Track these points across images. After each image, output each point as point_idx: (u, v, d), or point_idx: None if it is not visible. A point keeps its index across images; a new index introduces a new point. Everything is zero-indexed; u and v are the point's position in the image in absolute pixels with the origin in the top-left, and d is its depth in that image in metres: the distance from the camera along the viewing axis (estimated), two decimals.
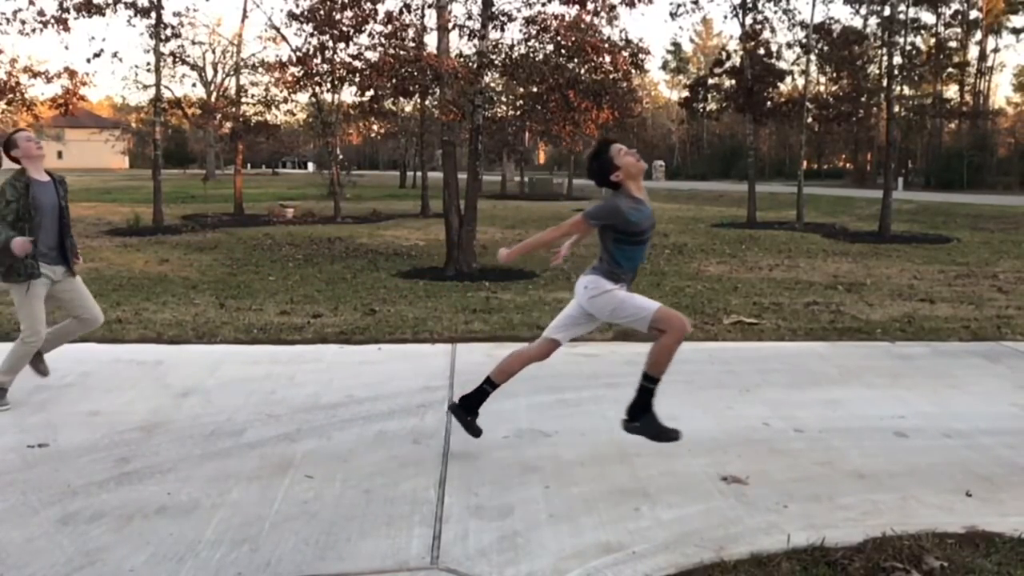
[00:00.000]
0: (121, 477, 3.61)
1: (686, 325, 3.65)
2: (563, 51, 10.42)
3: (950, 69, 44.14)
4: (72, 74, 15.16)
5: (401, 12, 11.22)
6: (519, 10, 10.90)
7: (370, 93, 11.25)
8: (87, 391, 4.92)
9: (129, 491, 3.46)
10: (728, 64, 21.52)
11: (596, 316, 3.83)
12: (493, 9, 10.75)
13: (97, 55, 15.97)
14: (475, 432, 3.92)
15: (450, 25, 11.01)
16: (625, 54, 10.49)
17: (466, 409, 3.92)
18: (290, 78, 13.82)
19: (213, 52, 37.29)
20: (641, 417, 3.72)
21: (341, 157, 26.51)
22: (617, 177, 3.70)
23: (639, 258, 3.80)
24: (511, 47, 10.90)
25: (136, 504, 3.33)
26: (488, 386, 3.92)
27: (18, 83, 15.12)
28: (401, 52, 10.60)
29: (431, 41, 11.38)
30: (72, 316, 4.88)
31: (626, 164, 3.71)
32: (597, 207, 3.70)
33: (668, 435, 3.70)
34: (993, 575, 2.84)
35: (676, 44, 69.58)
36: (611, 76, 10.51)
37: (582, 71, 10.52)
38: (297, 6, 13.25)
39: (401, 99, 15.05)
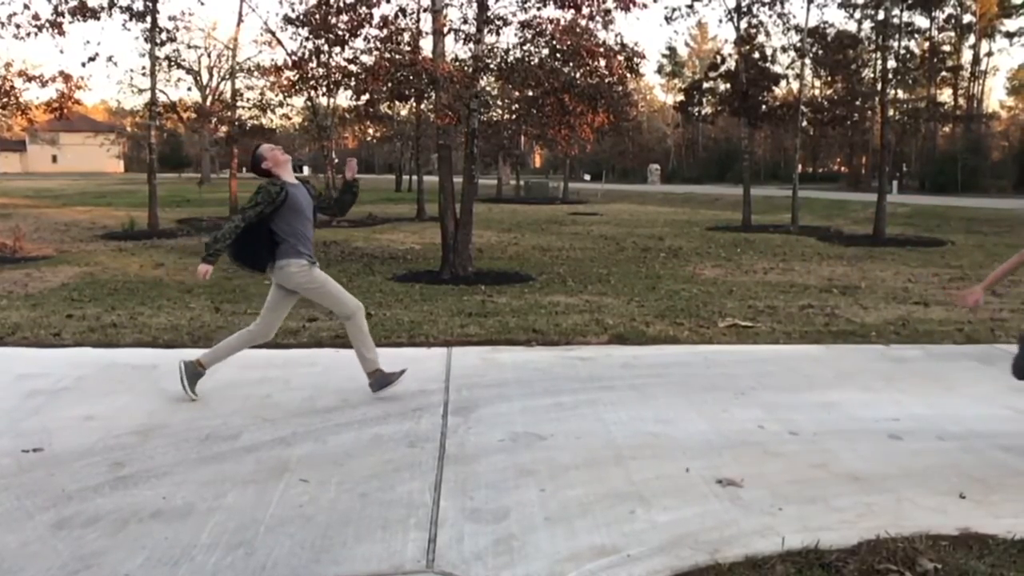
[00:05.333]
0: (116, 481, 3.60)
1: None
2: (558, 55, 10.43)
3: (944, 73, 44.23)
4: (67, 78, 15.09)
5: (396, 16, 11.22)
6: (514, 14, 10.91)
7: (366, 97, 11.23)
8: (82, 395, 4.91)
9: (124, 495, 3.46)
10: (723, 68, 21.55)
11: None
12: (488, 13, 10.76)
13: (92, 59, 15.93)
14: None
15: (445, 29, 11.01)
16: (620, 58, 10.50)
17: None
18: (286, 82, 13.80)
19: (208, 56, 37.22)
20: None
21: (337, 161, 26.51)
22: None
23: None
24: (506, 51, 10.90)
25: (131, 508, 3.32)
26: None
27: (13, 87, 15.07)
28: (397, 56, 10.60)
29: (427, 45, 11.39)
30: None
31: None
32: None
33: None
34: None
35: (671, 48, 69.77)
36: (606, 80, 10.51)
37: (577, 75, 10.52)
38: (293, 10, 13.28)
39: (397, 103, 15.05)
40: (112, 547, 3.00)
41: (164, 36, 17.09)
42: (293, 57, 13.21)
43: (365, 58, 11.30)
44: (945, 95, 47.84)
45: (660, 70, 71.44)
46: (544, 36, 10.46)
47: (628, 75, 10.90)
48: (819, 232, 18.63)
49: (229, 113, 21.16)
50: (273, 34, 19.11)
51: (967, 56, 49.24)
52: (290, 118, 30.57)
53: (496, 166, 38.67)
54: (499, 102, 16.87)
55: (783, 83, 22.58)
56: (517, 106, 12.36)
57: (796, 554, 2.99)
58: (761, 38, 20.34)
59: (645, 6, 10.82)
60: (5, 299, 8.44)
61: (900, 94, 37.24)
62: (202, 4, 38.91)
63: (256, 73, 21.76)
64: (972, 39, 48.92)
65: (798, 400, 4.98)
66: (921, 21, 43.88)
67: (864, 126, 39.27)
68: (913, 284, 10.27)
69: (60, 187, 42.38)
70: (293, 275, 4.76)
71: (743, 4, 19.69)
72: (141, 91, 27.46)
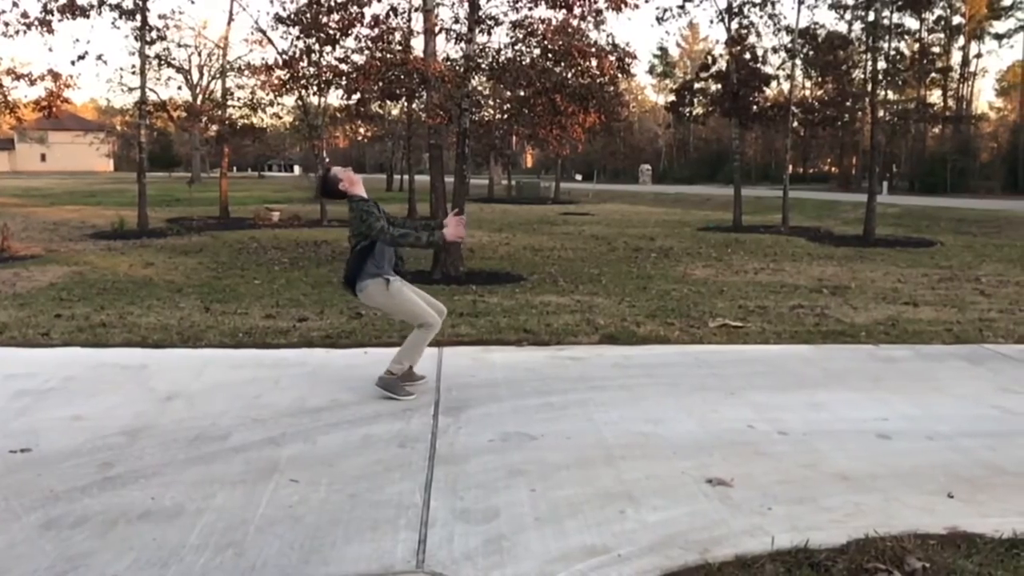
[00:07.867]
0: (104, 482, 3.58)
1: None
2: (550, 55, 10.43)
3: (933, 74, 44.51)
4: (56, 76, 14.98)
5: (388, 16, 11.20)
6: (506, 14, 10.92)
7: (356, 96, 11.21)
8: (70, 396, 4.88)
9: (112, 496, 3.44)
10: (714, 68, 21.63)
11: None
12: (480, 13, 10.76)
13: (81, 57, 15.79)
14: None
15: (437, 29, 11.01)
16: (612, 58, 10.51)
17: None
18: (276, 81, 13.74)
19: (199, 55, 37.10)
20: None
21: (328, 160, 26.44)
22: None
23: None
24: (498, 51, 10.90)
25: (119, 509, 3.31)
26: None
27: (1, 85, 14.97)
28: (388, 56, 10.58)
29: (418, 45, 11.38)
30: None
31: None
32: None
33: None
34: None
35: (663, 48, 69.94)
36: (598, 80, 10.52)
37: (569, 75, 10.53)
38: (284, 9, 13.22)
39: (388, 102, 15.04)
40: (100, 548, 2.98)
41: (154, 34, 17.01)
42: (284, 56, 13.17)
43: (356, 57, 11.27)
44: (935, 96, 48.14)
45: (651, 70, 71.61)
46: (535, 36, 10.47)
47: (619, 75, 10.92)
48: (809, 232, 18.70)
49: (219, 112, 21.08)
50: (264, 33, 19.03)
51: (956, 58, 49.59)
52: (281, 117, 30.46)
53: (487, 166, 38.69)
54: (490, 102, 16.88)
55: (774, 84, 22.68)
56: (508, 106, 12.36)
57: (786, 553, 3.00)
58: (752, 39, 20.44)
59: (636, 6, 10.84)
60: None
61: (890, 95, 37.42)
62: (192, 3, 38.78)
63: (247, 72, 21.66)
64: (961, 41, 49.24)
65: (788, 400, 5.00)
66: (911, 23, 44.18)
67: (854, 127, 39.54)
68: (903, 284, 10.32)
69: (49, 186, 42.13)
70: (373, 295, 4.82)
71: (734, 5, 19.75)
72: (131, 90, 27.30)
